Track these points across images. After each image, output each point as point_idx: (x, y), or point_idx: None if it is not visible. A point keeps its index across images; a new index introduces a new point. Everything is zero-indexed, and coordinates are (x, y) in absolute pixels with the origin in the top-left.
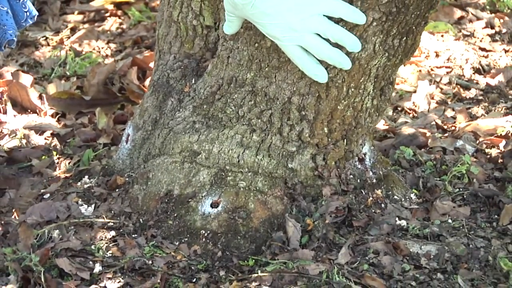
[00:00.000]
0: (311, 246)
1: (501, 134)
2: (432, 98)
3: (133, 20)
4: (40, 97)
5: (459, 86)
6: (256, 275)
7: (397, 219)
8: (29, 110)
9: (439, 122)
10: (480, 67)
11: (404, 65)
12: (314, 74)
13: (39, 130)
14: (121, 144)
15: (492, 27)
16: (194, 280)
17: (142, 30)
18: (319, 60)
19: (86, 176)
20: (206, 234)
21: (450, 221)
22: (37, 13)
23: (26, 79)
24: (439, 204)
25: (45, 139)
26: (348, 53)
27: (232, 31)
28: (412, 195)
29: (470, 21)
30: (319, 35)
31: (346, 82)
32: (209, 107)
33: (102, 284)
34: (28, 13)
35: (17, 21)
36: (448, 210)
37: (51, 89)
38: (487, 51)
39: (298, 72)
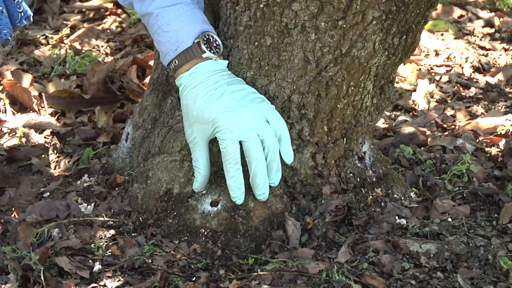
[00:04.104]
0: (311, 245)
1: (500, 133)
2: (432, 97)
3: (133, 18)
4: (40, 95)
5: (458, 85)
6: (255, 273)
7: (396, 217)
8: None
9: (439, 120)
10: (480, 66)
11: (404, 64)
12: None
13: (39, 129)
14: (121, 143)
15: (492, 26)
16: (194, 278)
17: (141, 28)
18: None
19: (86, 175)
20: (205, 233)
21: (449, 219)
22: (31, 14)
23: (25, 78)
24: (439, 203)
25: (45, 137)
26: (348, 52)
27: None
28: (412, 194)
29: (470, 19)
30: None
31: (346, 80)
32: None
33: (101, 283)
34: (22, 14)
35: (11, 21)
36: (448, 208)
37: (51, 87)
38: (486, 49)
39: (298, 71)
